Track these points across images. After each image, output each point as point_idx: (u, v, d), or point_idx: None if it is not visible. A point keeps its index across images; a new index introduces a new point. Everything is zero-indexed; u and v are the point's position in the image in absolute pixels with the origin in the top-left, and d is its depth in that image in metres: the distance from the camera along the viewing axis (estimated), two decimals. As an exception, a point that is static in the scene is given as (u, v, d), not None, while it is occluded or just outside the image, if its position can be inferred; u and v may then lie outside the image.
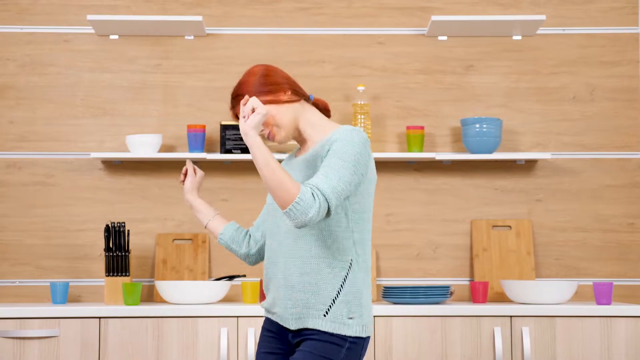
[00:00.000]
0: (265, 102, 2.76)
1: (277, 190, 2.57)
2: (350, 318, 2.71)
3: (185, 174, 3.06)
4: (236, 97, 2.80)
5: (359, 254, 2.74)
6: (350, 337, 2.70)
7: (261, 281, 4.07)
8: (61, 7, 4.44)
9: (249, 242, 3.01)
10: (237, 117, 2.81)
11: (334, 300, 2.69)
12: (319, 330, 2.69)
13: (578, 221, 4.43)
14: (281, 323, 2.76)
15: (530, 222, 4.39)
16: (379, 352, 3.81)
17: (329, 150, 2.70)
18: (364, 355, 2.75)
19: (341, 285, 2.71)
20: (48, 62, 4.42)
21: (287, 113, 2.78)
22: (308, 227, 2.67)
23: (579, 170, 4.45)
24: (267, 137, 2.81)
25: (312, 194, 2.58)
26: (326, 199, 2.59)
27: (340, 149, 2.67)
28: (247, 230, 3.03)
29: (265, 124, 2.78)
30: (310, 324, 2.70)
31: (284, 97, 2.78)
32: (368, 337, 2.75)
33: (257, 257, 3.02)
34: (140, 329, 3.80)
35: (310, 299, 2.69)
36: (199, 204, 3.03)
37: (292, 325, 2.73)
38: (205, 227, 3.09)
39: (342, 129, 2.71)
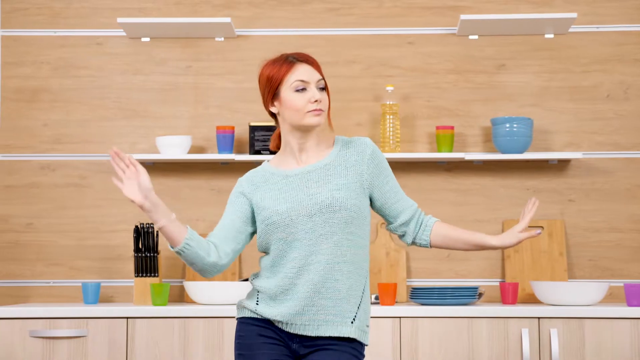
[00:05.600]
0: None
1: None
2: (367, 326, 2.84)
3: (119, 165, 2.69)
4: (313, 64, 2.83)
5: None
6: (366, 345, 2.86)
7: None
8: (93, 10, 4.49)
9: (217, 252, 2.79)
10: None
11: (358, 307, 2.80)
12: (344, 338, 2.77)
13: (612, 221, 4.36)
14: (297, 332, 2.76)
15: (563, 222, 4.33)
16: (405, 354, 3.79)
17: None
18: None
19: (362, 293, 2.83)
20: (81, 65, 4.47)
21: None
22: (346, 232, 2.79)
23: (613, 169, 4.38)
24: (314, 111, 2.78)
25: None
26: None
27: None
28: (206, 239, 2.82)
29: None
30: (335, 332, 2.75)
31: None
32: None
33: (221, 269, 2.83)
34: (167, 329, 3.83)
35: (338, 306, 2.76)
36: (158, 199, 2.71)
37: (312, 332, 2.76)
38: (160, 228, 2.72)
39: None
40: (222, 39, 4.47)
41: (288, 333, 2.79)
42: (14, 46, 4.47)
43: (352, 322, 2.76)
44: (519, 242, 2.85)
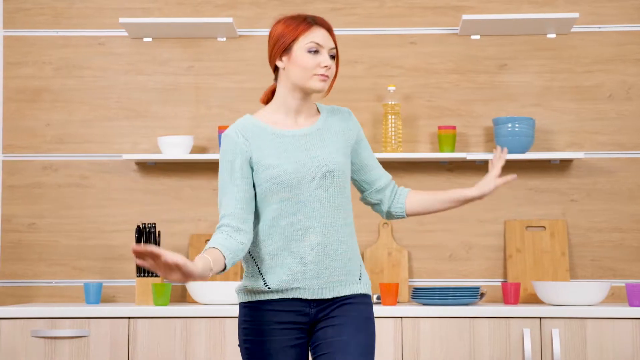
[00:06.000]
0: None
1: None
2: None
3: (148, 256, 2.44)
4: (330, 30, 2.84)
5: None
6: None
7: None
8: (96, 10, 4.49)
9: (244, 238, 2.72)
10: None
11: (360, 265, 2.88)
12: (358, 294, 2.83)
13: (614, 222, 4.36)
14: (314, 297, 2.76)
15: (565, 222, 4.33)
16: (406, 354, 3.79)
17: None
18: None
19: (359, 252, 2.92)
20: (83, 65, 4.48)
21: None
22: (343, 197, 2.84)
23: (615, 169, 4.38)
24: (322, 75, 2.79)
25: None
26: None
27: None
28: (228, 236, 2.69)
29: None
30: (349, 290, 2.81)
31: None
32: None
33: None
34: (169, 329, 3.83)
35: (346, 266, 2.82)
36: (191, 262, 2.51)
37: (329, 294, 2.79)
38: (212, 276, 2.67)
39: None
40: (224, 39, 4.47)
41: (305, 300, 2.77)
42: (17, 46, 4.48)
43: (359, 280, 2.85)
44: (496, 188, 2.93)
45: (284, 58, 2.81)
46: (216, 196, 4.41)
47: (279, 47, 2.80)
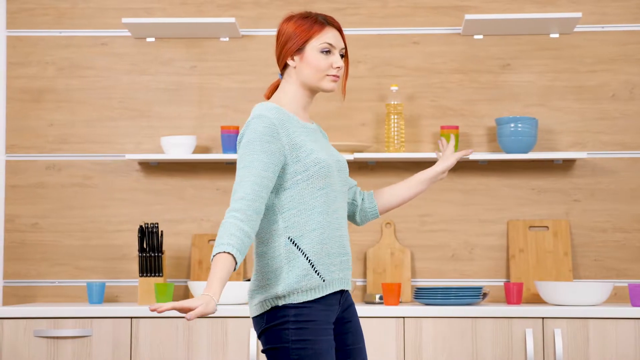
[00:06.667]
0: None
1: None
2: None
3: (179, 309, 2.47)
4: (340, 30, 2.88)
5: None
6: None
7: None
8: (99, 11, 4.50)
9: (252, 235, 2.61)
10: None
11: None
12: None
13: (617, 222, 4.35)
14: (347, 287, 2.80)
15: (568, 222, 4.33)
16: (408, 354, 3.79)
17: None
18: None
19: None
20: (86, 65, 4.48)
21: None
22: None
23: (618, 169, 4.37)
24: (333, 76, 2.82)
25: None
26: None
27: None
28: (240, 232, 2.56)
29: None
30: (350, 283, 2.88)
31: None
32: None
33: None
34: (171, 329, 3.83)
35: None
36: (203, 292, 2.52)
37: (349, 286, 2.83)
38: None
39: None
40: (227, 39, 4.47)
41: (336, 296, 2.77)
42: (20, 46, 4.49)
43: None
44: (457, 160, 3.08)
45: (295, 57, 2.82)
46: (219, 196, 4.41)
47: (291, 47, 2.81)
